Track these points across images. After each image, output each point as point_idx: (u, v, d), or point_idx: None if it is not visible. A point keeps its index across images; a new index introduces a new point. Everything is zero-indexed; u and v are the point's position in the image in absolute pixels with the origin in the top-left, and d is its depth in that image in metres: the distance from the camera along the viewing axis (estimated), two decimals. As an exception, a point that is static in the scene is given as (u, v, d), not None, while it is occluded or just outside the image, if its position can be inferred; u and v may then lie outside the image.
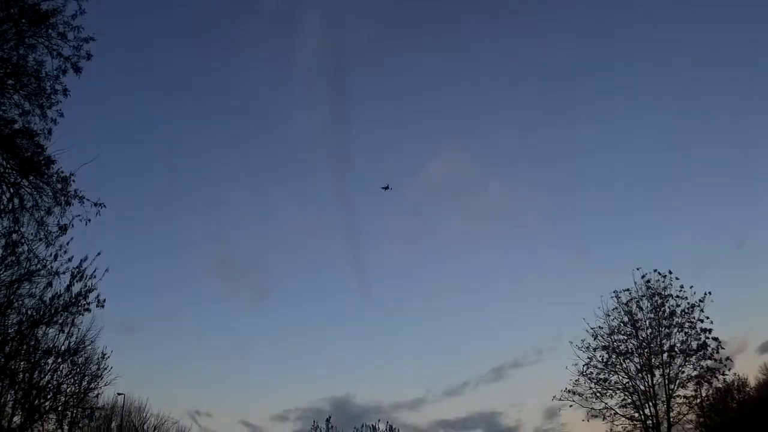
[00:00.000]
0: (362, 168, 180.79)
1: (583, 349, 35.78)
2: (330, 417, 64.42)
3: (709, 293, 33.81)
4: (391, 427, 63.10)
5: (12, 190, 19.45)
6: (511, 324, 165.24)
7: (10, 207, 19.78)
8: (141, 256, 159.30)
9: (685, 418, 35.58)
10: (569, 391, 35.49)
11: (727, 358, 33.72)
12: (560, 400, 35.87)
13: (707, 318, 33.99)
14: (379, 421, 65.56)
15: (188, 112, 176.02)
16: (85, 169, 20.57)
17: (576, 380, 35.51)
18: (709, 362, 33.74)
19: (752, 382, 58.35)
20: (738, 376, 53.05)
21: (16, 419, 37.57)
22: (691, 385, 34.33)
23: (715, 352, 33.53)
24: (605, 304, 35.87)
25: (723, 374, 34.29)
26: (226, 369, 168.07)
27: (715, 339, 33.62)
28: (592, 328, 35.62)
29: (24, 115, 19.11)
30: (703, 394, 35.93)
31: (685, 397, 34.40)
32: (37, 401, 37.35)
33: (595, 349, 35.50)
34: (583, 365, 35.46)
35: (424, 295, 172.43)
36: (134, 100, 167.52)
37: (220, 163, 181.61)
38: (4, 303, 26.68)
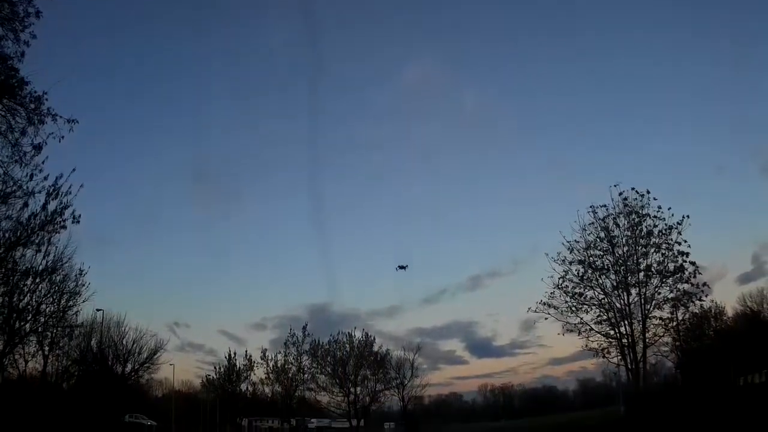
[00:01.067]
0: (336, 74, 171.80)
1: (558, 262, 35.03)
2: (306, 324, 64.70)
3: (687, 216, 33.24)
4: (367, 334, 63.54)
5: None
6: (488, 234, 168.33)
7: None
8: (115, 168, 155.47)
9: (660, 339, 35.86)
10: (544, 304, 35.01)
11: (704, 284, 33.36)
12: (535, 312, 35.35)
13: (685, 242, 33.30)
14: (355, 328, 66.17)
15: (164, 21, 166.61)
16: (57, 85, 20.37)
17: (551, 293, 34.86)
18: (686, 286, 33.32)
19: (730, 312, 58.44)
20: (716, 303, 54.11)
21: None
22: (667, 307, 34.21)
23: (692, 276, 32.96)
24: (582, 218, 34.90)
25: (700, 299, 34.05)
26: (204, 279, 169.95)
27: (693, 263, 32.97)
28: (568, 242, 34.83)
29: None
30: (679, 318, 35.73)
31: (660, 318, 34.19)
32: (17, 324, 36.24)
33: (570, 263, 34.94)
34: (559, 278, 34.82)
35: (397, 202, 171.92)
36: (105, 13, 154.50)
37: (192, 75, 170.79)
38: None
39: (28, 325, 37.67)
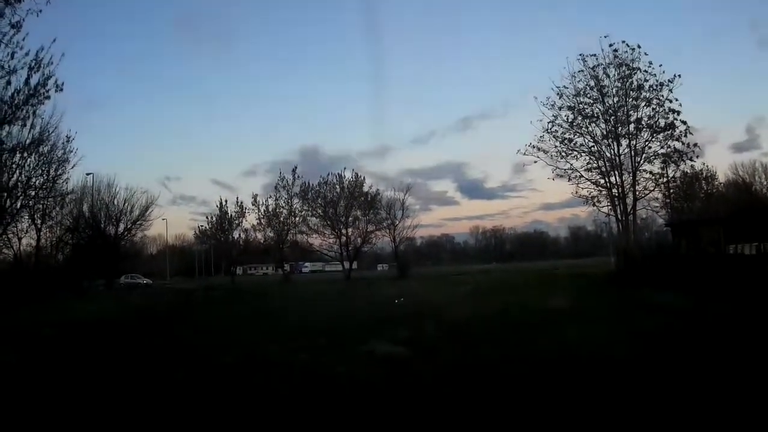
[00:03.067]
0: None
1: (548, 106, 34.09)
2: (296, 167, 62.88)
3: (679, 76, 31.93)
4: (357, 174, 62.10)
5: None
6: (478, 74, 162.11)
7: None
8: (95, 22, 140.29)
9: (650, 194, 35.74)
10: (534, 147, 34.30)
11: (695, 145, 32.57)
12: (525, 155, 34.60)
13: (676, 100, 32.34)
14: (344, 169, 65.01)
15: None
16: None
17: (541, 137, 34.19)
18: (676, 144, 32.66)
19: (722, 177, 58.60)
20: (707, 167, 54.12)
21: None
22: (657, 162, 33.65)
23: (683, 135, 32.28)
24: (571, 65, 33.81)
25: (690, 159, 33.52)
26: (193, 130, 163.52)
27: (684, 122, 32.18)
28: (557, 87, 33.77)
29: None
30: (670, 174, 34.82)
31: (651, 173, 33.77)
32: (8, 203, 34.96)
33: (560, 108, 34.04)
34: (548, 122, 34.06)
35: (390, 38, 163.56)
36: None
37: None
38: None
39: (19, 202, 36.36)
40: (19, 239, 41.05)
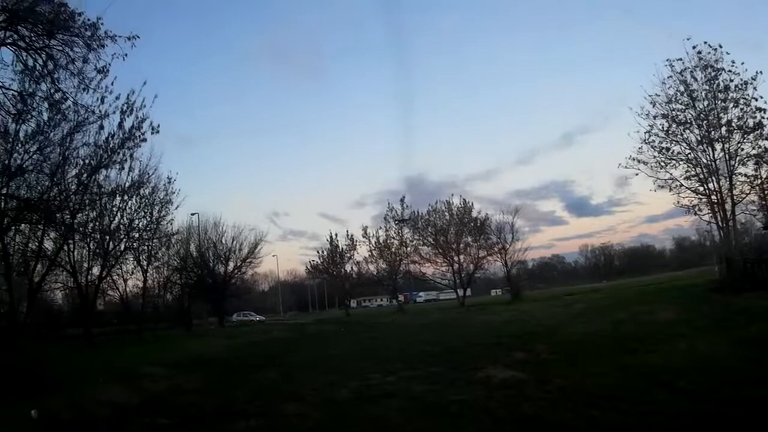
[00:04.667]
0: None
1: (643, 116, 34.05)
2: (404, 197, 62.82)
3: (760, 72, 31.35)
4: (464, 200, 61.16)
5: (44, 55, 19.69)
6: (574, 88, 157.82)
7: (46, 71, 20.06)
8: (185, 65, 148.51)
9: (747, 197, 34.17)
10: (634, 159, 34.29)
11: None
12: (626, 168, 34.64)
13: (761, 97, 31.56)
14: (452, 195, 65.30)
15: None
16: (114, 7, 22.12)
17: (639, 148, 34.23)
18: (767, 143, 32.06)
19: None
20: None
21: (95, 270, 35.34)
22: (750, 164, 32.88)
23: None
24: (660, 72, 33.42)
25: None
26: (297, 164, 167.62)
27: None
28: (649, 96, 33.65)
29: None
30: (763, 175, 33.45)
31: (745, 175, 33.04)
32: (111, 245, 35.28)
33: (654, 117, 33.99)
34: (645, 133, 34.03)
35: (486, 61, 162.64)
36: None
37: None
38: (60, 161, 24.98)
39: (122, 244, 36.97)
40: (125, 281, 41.60)
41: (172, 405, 11.79)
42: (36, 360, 21.07)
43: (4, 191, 22.90)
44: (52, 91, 21.29)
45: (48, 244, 29.75)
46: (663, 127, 33.82)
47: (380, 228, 63.09)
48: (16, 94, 20.57)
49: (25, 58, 19.97)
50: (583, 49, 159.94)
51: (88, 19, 20.10)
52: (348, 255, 67.59)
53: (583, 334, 16.68)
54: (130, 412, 11.31)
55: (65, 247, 31.28)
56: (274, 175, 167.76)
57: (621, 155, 37.48)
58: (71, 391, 13.35)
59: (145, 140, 28.47)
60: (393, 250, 62.41)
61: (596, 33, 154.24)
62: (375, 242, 63.03)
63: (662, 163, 34.03)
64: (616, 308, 25.16)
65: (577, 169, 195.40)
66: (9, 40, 19.50)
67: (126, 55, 20.50)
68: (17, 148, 22.95)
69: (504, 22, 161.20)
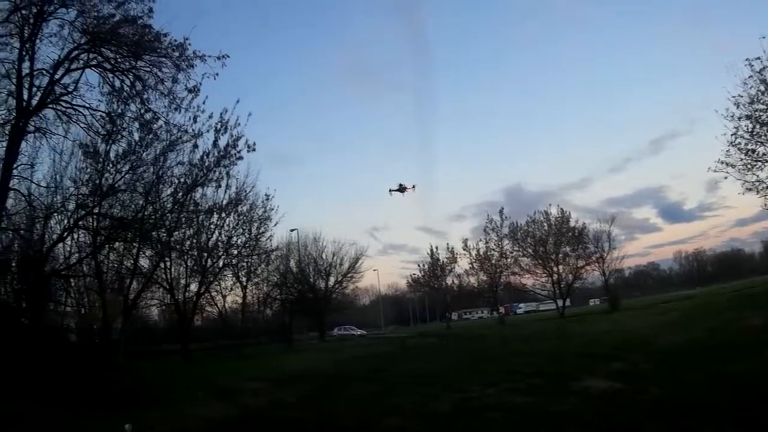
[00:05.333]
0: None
1: (728, 118, 32.58)
2: (503, 208, 62.39)
3: None
4: (562, 210, 59.86)
5: (131, 76, 20.17)
6: (660, 91, 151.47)
7: (134, 91, 20.45)
8: (277, 82, 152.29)
9: None
10: (722, 162, 32.98)
11: None
12: (715, 171, 33.38)
13: None
14: (550, 205, 63.60)
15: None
16: (200, 27, 20.53)
17: (727, 151, 32.95)
18: None
19: None
20: None
21: (192, 287, 36.17)
22: None
23: None
24: (739, 72, 31.73)
25: None
26: (391, 178, 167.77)
27: None
28: (733, 97, 32.12)
29: (120, 6, 19.37)
30: None
31: None
32: (209, 262, 35.79)
33: (739, 118, 32.36)
34: (731, 135, 32.58)
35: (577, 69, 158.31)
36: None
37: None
38: (153, 180, 24.92)
39: (221, 261, 37.51)
40: (224, 297, 42.21)
41: (272, 419, 11.98)
42: (132, 375, 21.61)
43: (96, 210, 23.02)
44: (142, 111, 21.44)
45: (143, 262, 29.94)
46: (748, 129, 32.52)
47: (480, 240, 62.80)
48: (104, 115, 20.69)
49: (111, 79, 20.16)
50: (666, 53, 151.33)
51: (175, 40, 20.41)
52: (449, 268, 67.41)
53: (678, 343, 16.30)
54: (228, 427, 11.47)
55: (162, 265, 31.70)
56: (373, 190, 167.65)
57: (711, 158, 36.24)
58: (168, 406, 13.64)
59: (241, 158, 28.34)
60: (493, 261, 62.14)
61: (680, 36, 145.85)
62: (475, 254, 62.86)
63: (749, 165, 32.88)
64: (709, 316, 24.45)
65: (668, 175, 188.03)
66: (93, 62, 19.71)
67: (217, 74, 20.63)
68: (108, 168, 23.14)
69: (589, 30, 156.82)
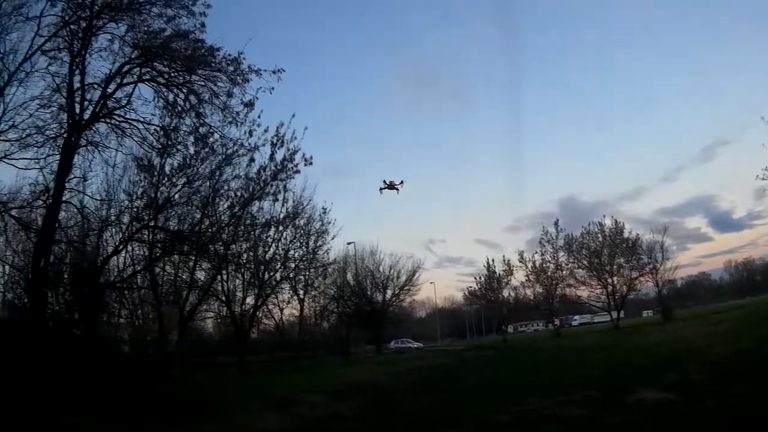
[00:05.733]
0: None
1: None
2: (558, 220, 64.73)
3: None
4: (616, 221, 58.80)
5: (185, 90, 20.40)
6: (711, 98, 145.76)
7: (188, 105, 20.65)
8: (330, 94, 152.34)
9: None
10: None
11: None
12: (763, 179, 34.74)
13: None
14: (604, 216, 62.47)
15: None
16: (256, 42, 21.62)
17: None
18: None
19: None
20: None
21: (249, 300, 36.07)
22: None
23: None
24: None
25: None
26: (449, 190, 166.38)
27: None
28: None
29: (170, 21, 19.55)
30: None
31: None
32: (266, 275, 35.66)
33: None
34: None
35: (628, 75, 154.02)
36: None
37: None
38: (210, 194, 24.94)
39: (278, 274, 37.38)
40: (281, 309, 42.03)
41: (330, 432, 12.18)
42: (188, 387, 21.53)
43: (152, 224, 22.97)
44: (197, 125, 21.46)
45: (200, 275, 29.98)
46: None
47: (536, 252, 62.45)
48: (158, 128, 20.76)
49: (165, 93, 20.29)
50: (716, 59, 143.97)
51: (229, 54, 20.40)
52: (505, 280, 67.37)
53: (730, 354, 16.16)
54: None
55: (218, 277, 31.55)
56: (429, 202, 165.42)
57: (760, 166, 36.71)
58: (225, 418, 13.81)
59: (298, 172, 28.46)
60: (549, 273, 61.68)
61: (730, 42, 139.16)
62: (531, 266, 62.55)
63: None
64: (759, 326, 23.65)
65: (718, 183, 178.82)
66: (147, 77, 19.82)
67: (272, 88, 20.76)
68: (163, 181, 23.19)
69: (641, 37, 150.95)
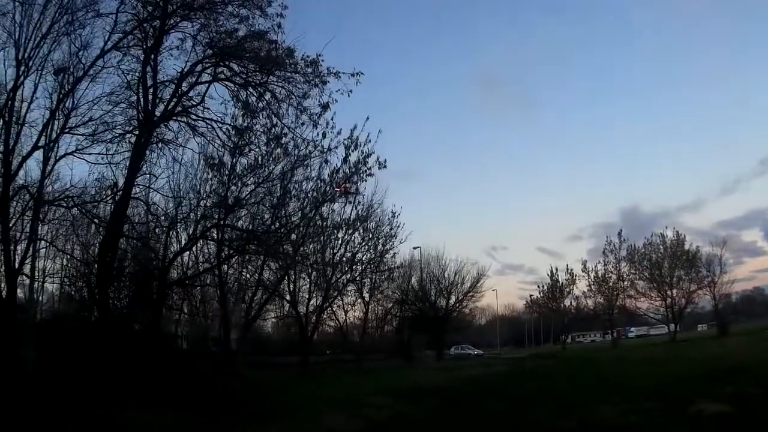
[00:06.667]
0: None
1: None
2: (621, 230, 62.49)
3: None
4: (677, 233, 59.16)
5: (260, 90, 20.34)
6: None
7: (261, 105, 20.59)
8: (399, 97, 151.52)
9: None
10: None
11: None
12: None
13: None
14: (666, 228, 63.08)
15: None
16: (337, 43, 23.32)
17: None
18: None
19: None
20: None
21: (313, 302, 36.12)
22: None
23: None
24: None
25: None
26: (514, 197, 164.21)
27: None
28: None
29: (243, 21, 19.62)
30: None
31: None
32: (333, 278, 35.46)
33: None
34: None
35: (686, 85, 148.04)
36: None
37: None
38: (281, 194, 24.43)
39: (345, 277, 37.23)
40: (345, 312, 41.86)
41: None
42: (255, 386, 21.83)
43: (222, 222, 22.75)
44: (271, 125, 21.23)
45: (266, 274, 29.69)
46: None
47: (599, 262, 63.13)
48: (231, 127, 20.63)
49: (239, 92, 20.24)
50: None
51: (307, 56, 20.33)
52: (567, 289, 67.83)
53: None
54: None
55: (286, 278, 31.38)
56: (493, 209, 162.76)
57: None
58: (294, 418, 14.07)
59: (371, 175, 27.57)
60: (611, 284, 61.76)
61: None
62: (594, 276, 62.97)
63: None
64: None
65: None
66: (222, 76, 19.81)
67: (350, 91, 20.61)
68: (234, 180, 22.91)
69: (697, 46, 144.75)
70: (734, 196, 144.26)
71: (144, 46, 18.49)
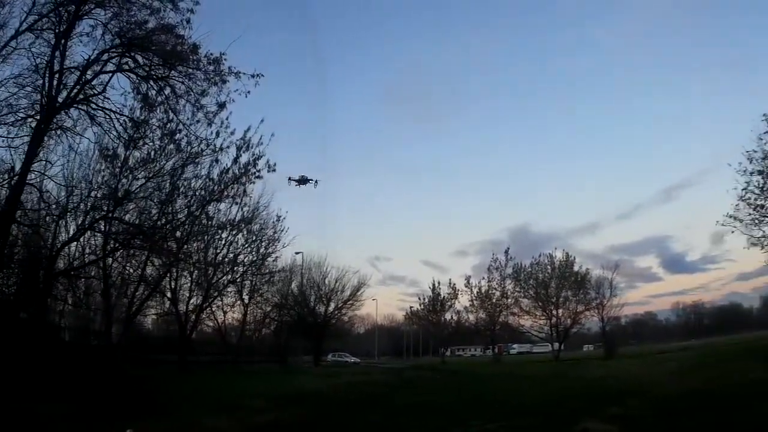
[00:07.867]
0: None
1: (740, 172, 32.91)
2: (508, 248, 63.94)
3: None
4: (567, 254, 60.33)
5: (161, 83, 20.23)
6: (675, 141, 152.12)
7: (160, 99, 20.54)
8: (300, 104, 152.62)
9: None
10: (730, 217, 33.68)
11: None
12: (723, 225, 34.29)
13: None
14: (555, 249, 66.35)
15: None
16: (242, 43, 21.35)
17: (736, 205, 33.42)
18: None
19: None
20: None
21: (194, 300, 36.39)
22: None
23: None
24: (757, 127, 31.86)
25: None
26: (403, 210, 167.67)
27: None
28: (747, 152, 32.34)
29: (155, 13, 19.55)
30: None
31: None
32: (214, 278, 35.83)
33: (751, 173, 32.63)
34: (741, 190, 33.00)
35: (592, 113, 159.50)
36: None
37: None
38: (170, 190, 24.84)
39: (226, 277, 37.54)
40: (224, 312, 42.21)
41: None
42: (134, 382, 21.41)
43: (110, 215, 22.89)
44: (166, 120, 21.35)
45: (149, 270, 29.68)
46: (759, 184, 32.58)
47: (483, 278, 63.29)
48: (128, 119, 20.64)
49: (140, 84, 20.14)
50: (684, 104, 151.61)
51: (211, 54, 20.32)
52: (449, 303, 68.44)
53: (676, 392, 16.74)
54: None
55: (168, 275, 31.56)
56: (380, 221, 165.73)
57: (719, 211, 36.40)
58: (173, 417, 13.85)
59: (260, 177, 27.90)
60: (494, 300, 62.38)
61: (697, 87, 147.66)
62: (477, 292, 63.28)
63: (757, 221, 33.08)
64: (706, 366, 25.05)
65: (674, 225, 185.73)
66: (126, 67, 19.75)
67: (248, 92, 20.67)
68: (125, 173, 23.17)
69: (610, 76, 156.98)
70: (631, 222, 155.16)
71: (56, 30, 18.32)
